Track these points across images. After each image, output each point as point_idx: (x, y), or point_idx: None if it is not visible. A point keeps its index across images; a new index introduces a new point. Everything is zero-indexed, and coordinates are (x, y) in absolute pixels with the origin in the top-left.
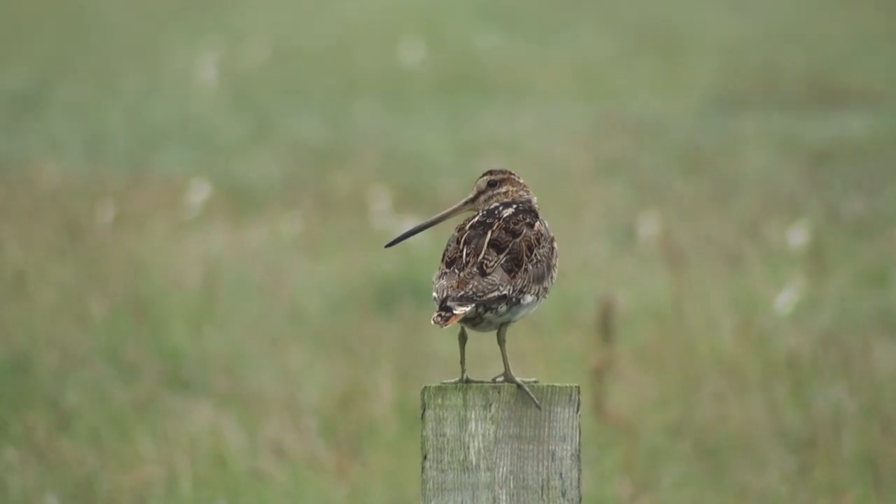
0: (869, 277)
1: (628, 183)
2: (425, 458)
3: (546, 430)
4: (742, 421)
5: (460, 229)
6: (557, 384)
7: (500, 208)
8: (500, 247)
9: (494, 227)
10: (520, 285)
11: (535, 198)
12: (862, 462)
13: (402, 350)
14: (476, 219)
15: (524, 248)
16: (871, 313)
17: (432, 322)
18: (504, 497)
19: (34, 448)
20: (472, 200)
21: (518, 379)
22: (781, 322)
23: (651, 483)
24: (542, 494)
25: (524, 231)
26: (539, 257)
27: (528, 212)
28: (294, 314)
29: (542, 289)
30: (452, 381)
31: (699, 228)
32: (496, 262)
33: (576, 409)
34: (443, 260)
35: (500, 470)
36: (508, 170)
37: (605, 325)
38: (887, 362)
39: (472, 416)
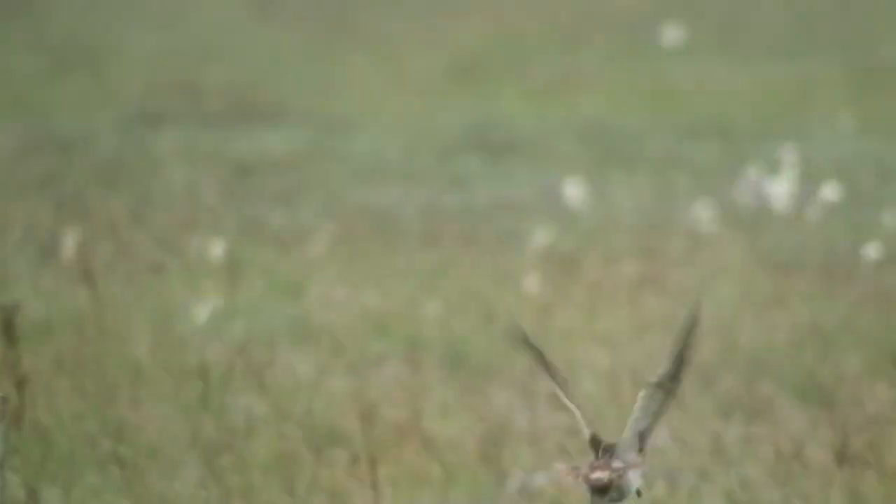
0: (284, 289)
1: (52, 200)
2: None
3: None
4: (157, 428)
5: None
6: None
7: None
8: None
9: None
10: None
11: None
12: (275, 465)
13: None
14: None
15: None
16: (285, 323)
17: None
18: None
19: None
20: None
21: None
22: (197, 331)
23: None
24: None
25: None
26: None
27: None
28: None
29: None
30: None
31: (120, 243)
32: None
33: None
34: None
35: None
36: None
37: (9, 334)
38: (299, 369)
39: None
